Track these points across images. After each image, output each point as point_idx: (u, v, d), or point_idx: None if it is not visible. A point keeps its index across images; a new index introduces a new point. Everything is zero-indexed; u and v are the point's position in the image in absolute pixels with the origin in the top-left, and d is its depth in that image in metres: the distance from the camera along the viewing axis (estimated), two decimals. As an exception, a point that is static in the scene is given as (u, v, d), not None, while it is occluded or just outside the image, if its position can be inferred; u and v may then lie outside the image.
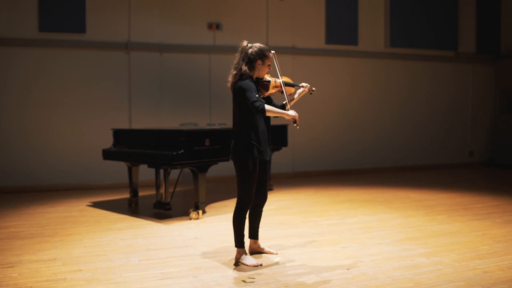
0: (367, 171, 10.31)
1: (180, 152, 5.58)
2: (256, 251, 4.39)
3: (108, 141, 7.76)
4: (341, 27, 10.02)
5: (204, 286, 3.57)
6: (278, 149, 7.53)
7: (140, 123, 8.48)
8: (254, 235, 4.37)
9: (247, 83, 3.92)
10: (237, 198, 4.08)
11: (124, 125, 8.42)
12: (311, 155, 9.90)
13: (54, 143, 8.19)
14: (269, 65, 4.12)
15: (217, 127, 6.43)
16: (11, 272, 3.84)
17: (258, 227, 4.37)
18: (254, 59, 4.03)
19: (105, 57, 8.42)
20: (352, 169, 10.23)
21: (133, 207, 6.67)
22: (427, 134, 10.89)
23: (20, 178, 8.02)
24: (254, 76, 4.09)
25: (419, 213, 6.10)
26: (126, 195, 7.52)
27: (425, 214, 6.01)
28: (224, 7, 9.15)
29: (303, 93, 4.29)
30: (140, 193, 7.28)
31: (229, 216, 5.94)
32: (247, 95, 3.86)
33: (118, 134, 6.78)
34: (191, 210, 5.89)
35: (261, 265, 4.03)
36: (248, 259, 4.06)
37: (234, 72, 4.07)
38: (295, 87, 4.28)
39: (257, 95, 3.86)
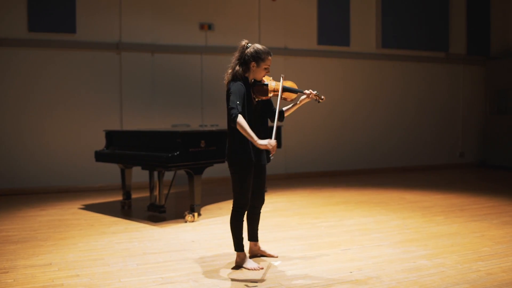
0: (360, 172, 10.29)
1: (175, 153, 5.49)
2: (256, 253, 4.31)
3: (99, 143, 7.66)
4: (333, 27, 10.00)
5: (206, 291, 3.50)
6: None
7: (132, 124, 8.37)
8: (253, 237, 4.29)
9: (236, 87, 3.79)
10: (233, 201, 3.99)
11: (115, 126, 8.31)
12: (304, 156, 9.85)
13: (44, 145, 8.05)
14: (265, 69, 3.98)
15: (212, 128, 6.34)
16: (6, 278, 3.73)
17: (257, 229, 4.30)
18: (248, 61, 3.93)
19: (96, 58, 8.30)
20: (345, 170, 10.20)
21: (126, 210, 6.56)
22: (418, 135, 10.91)
23: (10, 180, 7.87)
24: (250, 78, 3.97)
25: (416, 214, 6.07)
26: (118, 197, 7.41)
27: (422, 216, 5.98)
28: (216, 8, 9.08)
29: (306, 100, 4.07)
30: (133, 195, 7.17)
31: (225, 219, 5.90)
32: (230, 99, 3.72)
33: (111, 136, 6.67)
34: (186, 212, 5.80)
35: (262, 268, 3.96)
36: (249, 263, 3.99)
37: (230, 70, 3.99)
38: (298, 93, 4.04)
39: (238, 102, 3.67)
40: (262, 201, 4.19)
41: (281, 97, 3.92)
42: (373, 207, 6.60)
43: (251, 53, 3.90)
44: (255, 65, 3.91)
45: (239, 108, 3.67)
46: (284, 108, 4.15)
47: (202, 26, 8.94)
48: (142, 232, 5.25)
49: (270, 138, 3.75)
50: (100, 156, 6.55)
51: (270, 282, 3.66)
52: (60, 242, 4.85)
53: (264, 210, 6.18)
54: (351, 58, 10.18)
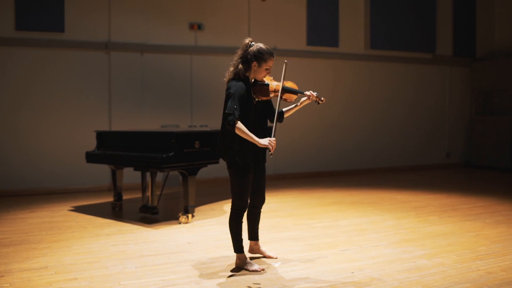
0: (349, 172, 10.31)
1: (170, 154, 5.43)
2: (256, 253, 4.28)
3: (87, 143, 7.57)
4: (322, 28, 10.01)
5: (208, 293, 3.46)
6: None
7: (121, 124, 8.27)
8: (254, 236, 4.26)
9: (236, 88, 3.74)
10: (232, 202, 3.95)
11: (104, 127, 8.20)
12: (293, 157, 9.84)
13: (31, 145, 7.91)
14: (266, 69, 3.94)
15: (206, 129, 6.29)
16: (2, 282, 3.64)
17: (257, 229, 4.27)
18: (250, 60, 3.89)
19: (85, 57, 8.18)
20: (334, 171, 10.22)
21: (117, 211, 6.48)
22: (407, 135, 10.97)
23: (-4, 182, 7.73)
24: (251, 77, 3.94)
25: (409, 214, 6.10)
26: (108, 199, 7.32)
27: (415, 216, 6.01)
28: (205, 8, 9.02)
29: (306, 102, 4.01)
30: (123, 197, 7.08)
31: (219, 220, 5.86)
32: (228, 102, 3.69)
33: (102, 136, 6.58)
34: (180, 214, 5.74)
35: (263, 269, 3.93)
36: (250, 264, 3.95)
37: (231, 68, 3.94)
38: (298, 94, 3.99)
39: (235, 106, 3.64)
40: (262, 201, 4.16)
41: (281, 97, 3.88)
42: (366, 207, 6.62)
43: (254, 52, 3.86)
44: (256, 64, 3.87)
45: (236, 114, 3.64)
46: (284, 109, 4.11)
47: (192, 26, 8.87)
48: (137, 234, 5.18)
49: (270, 137, 3.74)
50: (91, 157, 6.46)
51: (273, 283, 3.63)
52: (53, 244, 4.76)
53: (258, 211, 6.18)
54: (340, 59, 10.21)
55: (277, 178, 9.67)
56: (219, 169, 8.32)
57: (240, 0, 9.30)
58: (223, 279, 3.73)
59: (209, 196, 7.49)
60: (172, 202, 7.19)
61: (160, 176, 7.86)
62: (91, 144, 7.48)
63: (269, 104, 4.04)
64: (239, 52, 3.93)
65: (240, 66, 3.86)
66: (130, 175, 7.50)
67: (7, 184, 7.77)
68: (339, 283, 3.60)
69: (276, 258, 4.27)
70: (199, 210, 6.43)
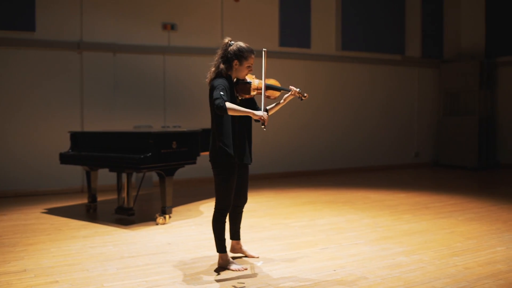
0: (321, 172, 10.41)
1: (148, 155, 5.39)
2: (238, 252, 4.30)
3: (59, 144, 7.44)
4: (294, 29, 10.08)
5: (194, 293, 3.45)
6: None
7: (93, 125, 8.14)
8: (236, 236, 4.28)
9: (219, 81, 3.76)
10: (215, 202, 3.96)
11: (76, 128, 8.05)
12: (266, 158, 9.87)
13: (0, 146, 7.72)
14: (248, 67, 3.98)
15: (184, 129, 6.25)
16: (-20, 286, 3.56)
17: (239, 228, 4.29)
18: (231, 58, 3.91)
19: (57, 57, 8.02)
20: (306, 171, 10.29)
21: (91, 213, 6.38)
22: (377, 136, 11.14)
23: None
24: (233, 76, 3.97)
25: (384, 213, 6.20)
26: (80, 201, 7.21)
27: (390, 214, 6.12)
28: (179, 8, 8.97)
29: (290, 98, 4.07)
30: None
31: (196, 220, 5.85)
32: (213, 93, 3.68)
33: (76, 137, 6.48)
34: (157, 215, 5.70)
35: (246, 269, 3.94)
36: (232, 264, 3.96)
37: (213, 69, 3.95)
38: (282, 91, 4.04)
39: (222, 93, 3.63)
40: (245, 201, 4.18)
41: (264, 95, 3.92)
42: (340, 206, 6.70)
43: (234, 51, 3.88)
44: (237, 63, 3.89)
45: (224, 97, 3.62)
46: (268, 107, 4.14)
47: (165, 26, 8.81)
48: (115, 236, 5.12)
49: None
50: (65, 158, 6.34)
51: (257, 282, 3.65)
52: (30, 247, 4.66)
53: (236, 211, 6.19)
54: (312, 60, 10.30)
55: (251, 178, 9.58)
56: (191, 170, 8.31)
57: (214, 0, 9.29)
58: (207, 279, 3.73)
59: (184, 197, 7.45)
60: (146, 203, 7.13)
61: (134, 177, 7.78)
62: (62, 145, 7.35)
63: (252, 103, 4.06)
64: (219, 52, 3.95)
65: (222, 65, 3.88)
66: (102, 176, 7.40)
67: (-25, 186, 7.57)
68: (322, 281, 3.64)
69: (258, 257, 4.29)
70: (175, 211, 6.39)
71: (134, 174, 7.55)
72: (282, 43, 9.95)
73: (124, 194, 6.00)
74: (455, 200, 7.05)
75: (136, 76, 8.63)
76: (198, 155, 6.00)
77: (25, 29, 7.74)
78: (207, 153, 6.37)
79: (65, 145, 7.25)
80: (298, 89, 4.01)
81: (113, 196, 7.47)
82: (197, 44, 9.06)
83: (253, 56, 3.94)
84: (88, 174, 6.50)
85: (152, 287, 3.56)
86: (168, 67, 8.89)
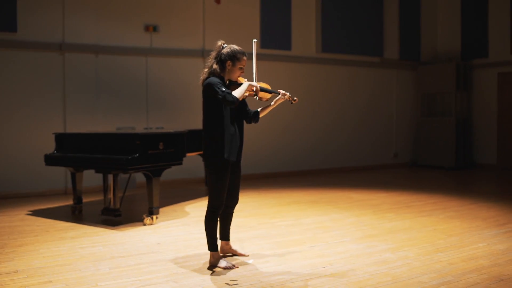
0: (302, 173, 10.53)
1: (135, 156, 5.42)
2: (228, 252, 4.36)
3: (41, 146, 7.41)
4: (275, 31, 10.19)
5: (188, 291, 3.51)
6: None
7: (76, 126, 8.11)
8: (225, 236, 4.34)
9: (214, 79, 3.88)
10: (208, 201, 4.03)
11: (59, 129, 8.01)
12: (248, 159, 9.88)
13: (-19, 149, 7.65)
14: (240, 68, 4.07)
15: (170, 130, 6.29)
16: (-27, 287, 3.55)
17: (229, 229, 4.35)
18: (224, 60, 4.01)
19: (38, 58, 7.98)
20: (287, 171, 10.40)
21: (77, 215, 6.37)
22: (357, 137, 11.32)
23: None
24: (226, 78, 4.06)
25: (367, 212, 6.33)
26: (64, 203, 7.18)
27: (373, 213, 6.25)
28: (161, 9, 9.00)
29: (280, 101, 4.16)
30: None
31: (183, 221, 5.90)
32: (216, 89, 3.78)
33: (61, 139, 6.46)
34: (144, 215, 5.73)
35: (237, 267, 4.01)
36: (223, 262, 4.02)
37: (206, 70, 4.04)
38: (272, 93, 4.14)
39: (223, 89, 3.77)
40: (236, 201, 4.25)
41: (256, 95, 4.02)
42: (324, 206, 6.81)
43: (227, 52, 3.98)
44: (230, 64, 3.98)
45: (227, 90, 3.78)
46: (259, 109, 4.22)
47: (147, 28, 8.83)
48: (103, 236, 5.14)
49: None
50: (50, 160, 6.32)
51: (250, 279, 3.72)
52: (19, 249, 4.65)
53: (222, 211, 6.25)
54: (293, 62, 10.42)
55: (233, 179, 9.73)
56: (175, 171, 8.35)
57: (195, 2, 9.34)
58: (200, 277, 3.79)
59: (168, 199, 7.47)
60: (132, 204, 7.14)
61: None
62: (45, 146, 7.33)
63: (243, 105, 4.15)
64: (213, 53, 4.06)
65: (215, 66, 3.98)
66: (86, 178, 7.38)
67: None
68: (314, 277, 3.73)
69: (248, 256, 4.36)
70: (161, 212, 6.42)
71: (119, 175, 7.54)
72: (263, 45, 10.04)
73: (111, 195, 6.01)
74: (435, 199, 7.23)
75: (118, 77, 8.63)
76: (185, 156, 6.04)
77: (6, 30, 7.68)
78: (194, 154, 6.52)
79: (48, 147, 7.22)
80: (288, 93, 4.12)
81: (97, 198, 7.47)
82: (179, 46, 9.10)
83: (245, 58, 4.04)
84: (73, 176, 6.48)
85: (146, 285, 3.60)
86: (150, 69, 8.91)
